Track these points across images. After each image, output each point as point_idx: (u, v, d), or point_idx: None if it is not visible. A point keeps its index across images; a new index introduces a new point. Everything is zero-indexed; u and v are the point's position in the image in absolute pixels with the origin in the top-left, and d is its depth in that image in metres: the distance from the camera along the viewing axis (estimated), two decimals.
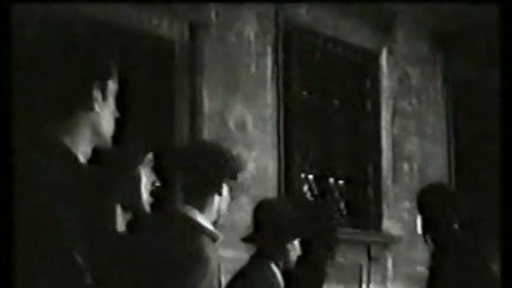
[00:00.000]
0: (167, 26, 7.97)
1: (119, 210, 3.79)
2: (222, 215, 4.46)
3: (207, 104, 8.21)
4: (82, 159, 2.40)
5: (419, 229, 6.20)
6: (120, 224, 3.86)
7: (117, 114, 2.57)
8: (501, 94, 4.69)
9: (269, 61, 8.81)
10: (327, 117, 9.51)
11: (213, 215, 4.32)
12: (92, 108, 2.44)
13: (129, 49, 7.85)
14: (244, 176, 8.45)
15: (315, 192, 9.29)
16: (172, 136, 8.05)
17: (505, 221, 4.55)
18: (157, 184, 4.17)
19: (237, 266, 8.24)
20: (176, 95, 8.12)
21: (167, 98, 8.15)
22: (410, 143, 10.24)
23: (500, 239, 4.64)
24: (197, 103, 8.14)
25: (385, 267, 9.63)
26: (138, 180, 3.96)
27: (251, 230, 5.69)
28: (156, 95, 8.25)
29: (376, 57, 9.98)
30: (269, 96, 8.76)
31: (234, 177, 4.34)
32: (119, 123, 2.59)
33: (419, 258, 10.09)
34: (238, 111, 8.47)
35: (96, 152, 2.49)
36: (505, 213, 4.51)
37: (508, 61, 4.61)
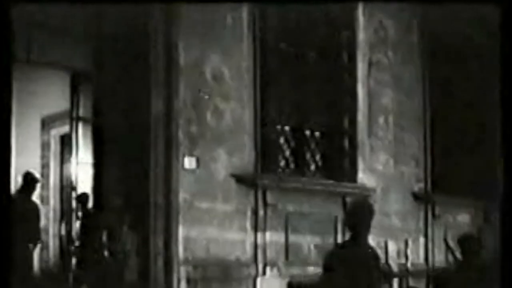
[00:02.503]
0: None
1: None
2: None
3: (183, 56, 8.17)
4: None
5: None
6: None
7: None
8: (501, 93, 4.73)
9: (245, 13, 8.76)
10: (304, 69, 9.49)
11: None
12: None
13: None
14: (221, 127, 8.46)
15: (291, 144, 9.32)
16: (149, 89, 8.02)
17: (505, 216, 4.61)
18: None
19: (210, 216, 8.33)
20: (152, 46, 8.07)
21: (142, 50, 8.10)
22: (386, 95, 10.27)
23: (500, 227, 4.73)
24: (173, 55, 8.10)
25: None
26: None
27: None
28: (131, 47, 8.19)
29: (352, 9, 9.95)
30: (246, 48, 8.73)
31: None
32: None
33: (393, 210, 10.21)
34: (215, 62, 8.43)
35: None
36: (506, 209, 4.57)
37: (508, 60, 4.64)
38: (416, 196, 10.49)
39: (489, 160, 11.39)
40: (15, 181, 9.30)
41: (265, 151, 8.80)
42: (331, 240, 9.13)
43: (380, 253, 9.73)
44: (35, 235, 9.32)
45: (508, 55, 4.75)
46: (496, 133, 11.17)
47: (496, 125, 11.14)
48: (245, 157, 8.61)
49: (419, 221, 10.48)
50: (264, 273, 8.63)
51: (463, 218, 10.94)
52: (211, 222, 8.23)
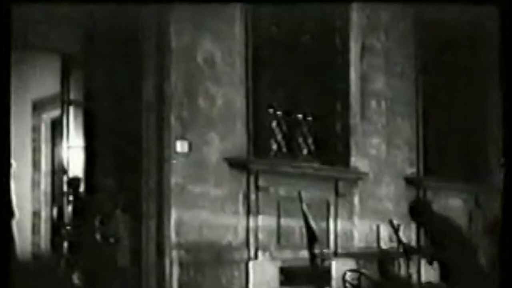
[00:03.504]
0: None
1: None
2: None
3: (175, 40, 8.13)
4: None
5: None
6: None
7: None
8: (502, 93, 4.74)
9: None
10: (296, 53, 9.46)
11: None
12: None
13: None
14: (213, 111, 8.44)
15: (284, 128, 9.31)
16: (141, 72, 7.99)
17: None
18: None
19: (202, 200, 8.32)
20: (143, 31, 8.03)
21: (134, 34, 8.06)
22: (379, 80, 10.25)
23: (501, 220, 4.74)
24: (164, 39, 8.06)
25: (352, 203, 9.73)
26: None
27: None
28: (122, 32, 8.15)
29: None
30: (237, 32, 8.69)
31: None
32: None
33: (385, 194, 10.22)
34: (206, 46, 8.41)
35: None
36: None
37: (508, 60, 4.64)
38: (408, 180, 10.50)
39: (481, 145, 11.41)
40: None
41: (257, 135, 8.79)
42: (323, 224, 9.15)
43: (372, 237, 9.81)
44: (9, 210, 9.32)
45: (508, 55, 4.77)
46: (489, 118, 11.19)
47: (489, 109, 11.16)
48: (237, 141, 8.60)
49: None
50: (256, 257, 8.64)
51: (455, 202, 10.96)
52: (203, 206, 8.22)
